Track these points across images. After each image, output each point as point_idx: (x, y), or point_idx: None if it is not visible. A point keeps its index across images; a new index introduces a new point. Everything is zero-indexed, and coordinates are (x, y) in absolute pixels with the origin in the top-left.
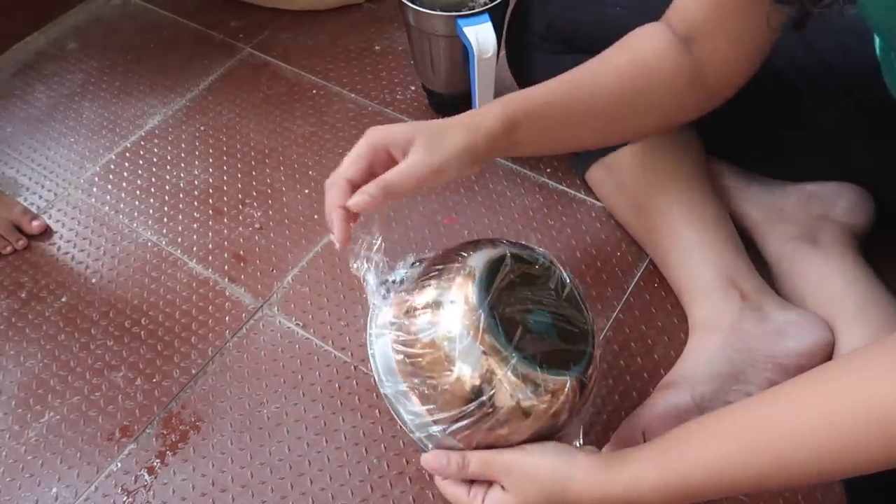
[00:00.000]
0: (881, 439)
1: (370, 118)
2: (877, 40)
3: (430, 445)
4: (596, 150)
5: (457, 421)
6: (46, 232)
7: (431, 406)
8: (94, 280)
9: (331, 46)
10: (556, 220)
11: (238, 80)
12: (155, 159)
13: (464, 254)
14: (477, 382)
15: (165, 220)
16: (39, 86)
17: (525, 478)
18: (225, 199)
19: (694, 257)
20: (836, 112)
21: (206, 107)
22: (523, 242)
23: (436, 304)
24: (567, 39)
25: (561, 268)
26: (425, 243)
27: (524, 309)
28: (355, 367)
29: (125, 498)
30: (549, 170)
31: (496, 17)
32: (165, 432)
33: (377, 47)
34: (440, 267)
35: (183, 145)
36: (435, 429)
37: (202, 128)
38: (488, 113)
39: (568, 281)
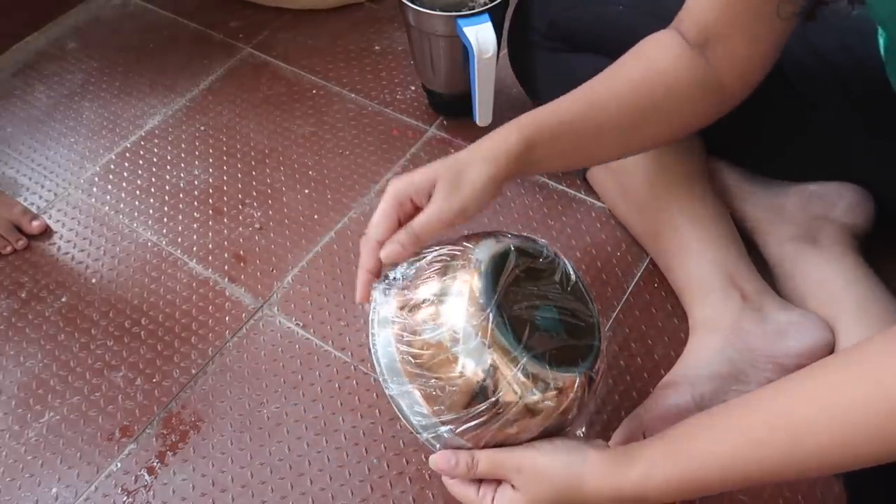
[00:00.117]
0: (891, 427)
1: (370, 118)
2: (881, 40)
3: (437, 446)
4: None
5: (465, 422)
6: (46, 232)
7: (439, 407)
8: (94, 280)
9: (331, 46)
10: (556, 220)
11: (238, 80)
12: (155, 159)
13: (467, 245)
14: (486, 383)
15: (165, 220)
16: (39, 86)
17: (536, 475)
18: (225, 199)
19: (694, 257)
20: (837, 112)
21: (206, 107)
22: (525, 234)
23: (440, 301)
24: (568, 38)
25: (565, 259)
26: None
27: (531, 305)
28: (355, 367)
29: (125, 498)
30: None
31: (496, 17)
32: (165, 432)
33: (377, 47)
34: (442, 261)
35: (183, 145)
36: (443, 429)
37: (202, 128)
38: (506, 137)
39: (572, 273)
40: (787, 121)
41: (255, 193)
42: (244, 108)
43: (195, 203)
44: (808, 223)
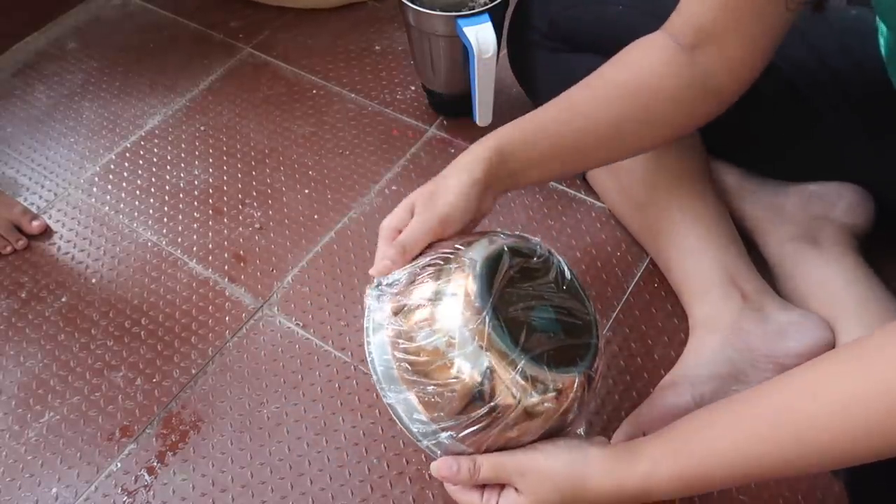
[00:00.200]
0: (892, 422)
1: (370, 118)
2: (881, 39)
3: (438, 452)
4: None
5: (465, 427)
6: (46, 232)
7: (438, 413)
8: (94, 280)
9: (331, 46)
10: (556, 220)
11: (238, 80)
12: (155, 159)
13: (460, 247)
14: (484, 387)
15: (165, 220)
16: (39, 86)
17: (539, 478)
18: (225, 199)
19: (694, 257)
20: (837, 112)
21: (206, 107)
22: (518, 233)
23: (434, 306)
24: (568, 38)
25: (559, 257)
26: None
27: (527, 306)
28: (355, 367)
29: (125, 498)
30: None
31: (496, 17)
32: (165, 432)
33: (377, 47)
34: (435, 265)
35: (183, 145)
36: (443, 436)
37: (202, 128)
38: (482, 144)
39: (567, 271)
40: (789, 123)
41: (255, 193)
42: (244, 108)
43: (195, 203)
44: (808, 223)
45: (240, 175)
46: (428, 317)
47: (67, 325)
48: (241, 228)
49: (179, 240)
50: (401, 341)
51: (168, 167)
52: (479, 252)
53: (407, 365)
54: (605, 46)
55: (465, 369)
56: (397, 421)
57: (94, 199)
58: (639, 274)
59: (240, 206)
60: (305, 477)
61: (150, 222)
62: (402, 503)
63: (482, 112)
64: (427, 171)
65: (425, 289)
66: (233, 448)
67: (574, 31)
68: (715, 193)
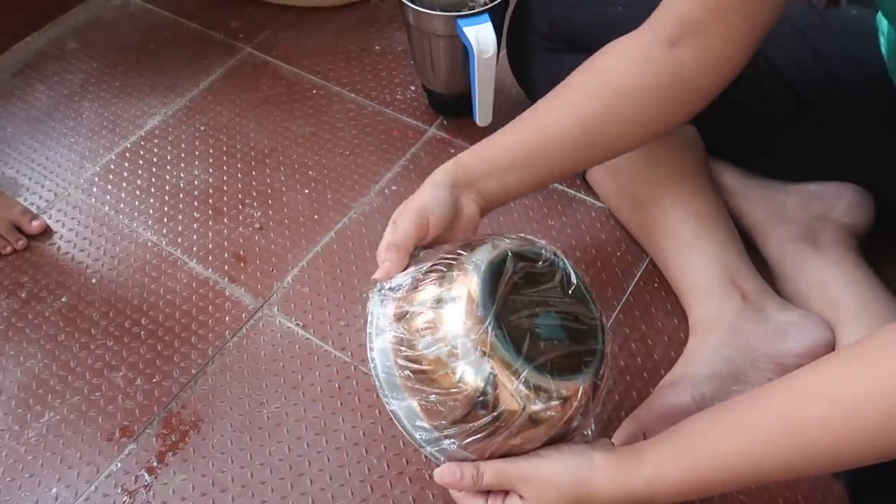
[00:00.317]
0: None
1: (370, 118)
2: (882, 39)
3: (442, 459)
4: None
5: (469, 435)
6: (46, 232)
7: (441, 421)
8: (94, 280)
9: (331, 46)
10: (556, 220)
11: (238, 80)
12: (155, 159)
13: (462, 252)
14: (487, 397)
15: (165, 220)
16: (39, 86)
17: (543, 484)
18: (225, 199)
19: (694, 257)
20: (837, 112)
21: (206, 107)
22: (523, 235)
23: (437, 314)
24: (568, 38)
25: (565, 260)
26: None
27: (531, 313)
28: (355, 367)
29: (125, 498)
30: None
31: (496, 17)
32: (165, 432)
33: (377, 47)
34: (438, 271)
35: (183, 145)
36: (446, 443)
37: (202, 128)
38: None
39: (573, 274)
40: (789, 124)
41: (255, 193)
42: (244, 108)
43: (195, 203)
44: (808, 223)
45: (240, 175)
46: (430, 325)
47: (67, 325)
48: (241, 228)
49: (179, 240)
50: (403, 349)
51: (168, 167)
52: (482, 257)
53: (409, 373)
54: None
55: (468, 379)
56: (400, 427)
57: (94, 199)
58: (639, 274)
59: (240, 206)
60: (305, 477)
61: (150, 222)
62: (402, 503)
63: (482, 112)
64: (427, 171)
65: (428, 295)
66: (233, 448)
67: (574, 31)
68: (714, 191)
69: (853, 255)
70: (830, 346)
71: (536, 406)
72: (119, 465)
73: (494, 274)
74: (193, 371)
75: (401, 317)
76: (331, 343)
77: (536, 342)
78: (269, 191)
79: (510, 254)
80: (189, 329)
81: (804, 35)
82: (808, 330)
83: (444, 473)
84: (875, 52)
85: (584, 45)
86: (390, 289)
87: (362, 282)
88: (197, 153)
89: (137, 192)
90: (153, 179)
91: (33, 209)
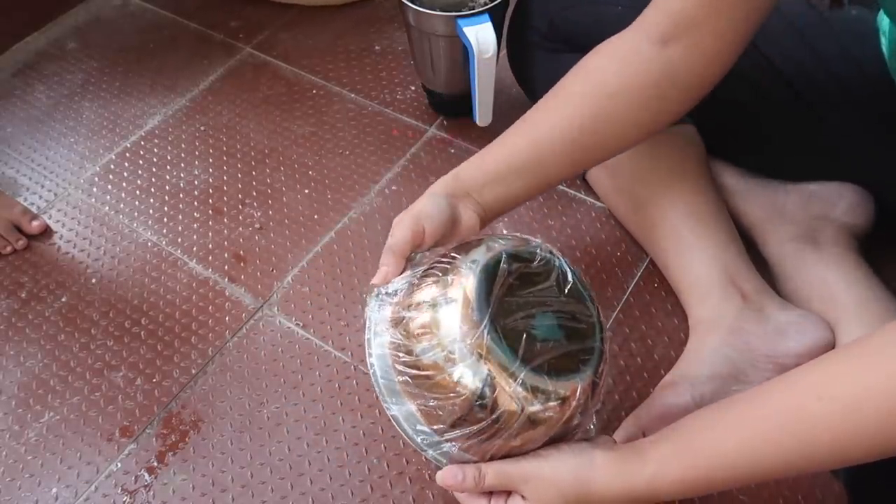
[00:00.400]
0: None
1: (370, 118)
2: (883, 39)
3: (443, 461)
4: None
5: (469, 438)
6: (46, 232)
7: (440, 425)
8: (94, 280)
9: (331, 46)
10: (556, 220)
11: (238, 80)
12: (155, 159)
13: (457, 256)
14: (485, 401)
15: (165, 220)
16: (39, 86)
17: (544, 484)
18: (225, 199)
19: (694, 257)
20: (837, 112)
21: (206, 107)
22: (518, 234)
23: (433, 319)
24: (568, 38)
25: (561, 258)
26: None
27: (527, 315)
28: (355, 367)
29: (125, 498)
30: None
31: (496, 17)
32: (165, 432)
33: (377, 47)
34: (433, 275)
35: (183, 145)
36: (447, 446)
37: (202, 128)
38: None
39: (569, 272)
40: (789, 124)
41: (255, 193)
42: (244, 108)
43: (195, 203)
44: (809, 223)
45: (240, 175)
46: (426, 329)
47: (67, 325)
48: (241, 228)
49: (179, 240)
50: (401, 354)
51: (168, 167)
52: (476, 260)
53: (407, 378)
54: None
55: (466, 383)
56: (401, 432)
57: (94, 199)
58: (639, 274)
59: (240, 206)
60: (305, 477)
61: (150, 222)
62: (402, 503)
63: (482, 112)
64: (427, 171)
65: (423, 299)
66: (233, 448)
67: (573, 31)
68: (714, 190)
69: (853, 255)
70: (830, 346)
71: (535, 407)
72: (119, 465)
73: (489, 276)
74: (193, 371)
75: (398, 322)
76: (331, 343)
77: (533, 343)
78: (269, 191)
79: (505, 255)
80: (189, 329)
81: (803, 35)
82: (807, 330)
83: (447, 476)
84: (875, 52)
85: (583, 45)
86: (387, 293)
87: (362, 282)
88: (197, 153)
89: (137, 192)
90: (153, 179)
91: (33, 209)
